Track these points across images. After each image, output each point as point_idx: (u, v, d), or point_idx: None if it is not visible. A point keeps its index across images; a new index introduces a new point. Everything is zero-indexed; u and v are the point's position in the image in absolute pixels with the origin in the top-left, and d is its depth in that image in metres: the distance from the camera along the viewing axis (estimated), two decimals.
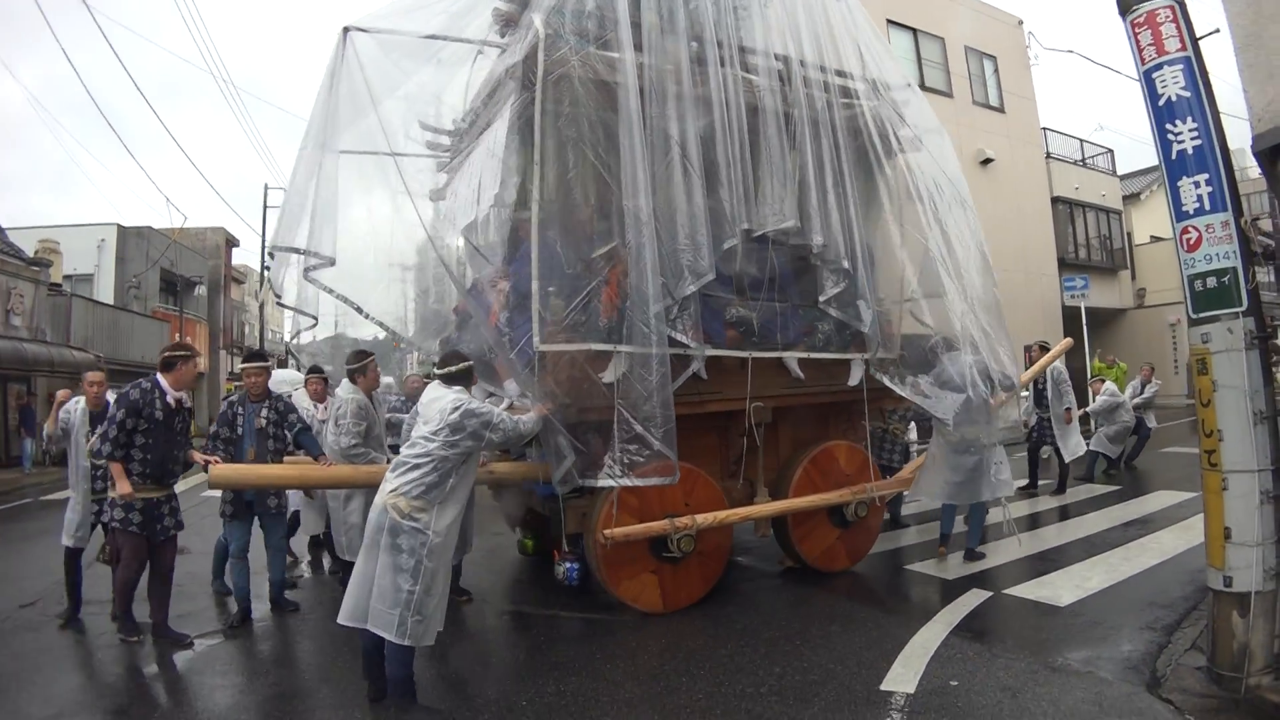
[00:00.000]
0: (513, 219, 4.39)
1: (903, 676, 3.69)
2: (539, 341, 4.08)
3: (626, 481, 4.13)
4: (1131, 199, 22.66)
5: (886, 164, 5.15)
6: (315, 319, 4.78)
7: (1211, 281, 3.35)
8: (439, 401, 3.55)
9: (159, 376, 4.37)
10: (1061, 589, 4.93)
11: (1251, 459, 3.27)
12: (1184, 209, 3.40)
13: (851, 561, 5.63)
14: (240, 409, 4.83)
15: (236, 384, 24.34)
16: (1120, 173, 22.73)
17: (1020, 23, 18.76)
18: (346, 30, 4.22)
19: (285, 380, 13.58)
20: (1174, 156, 3.42)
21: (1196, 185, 3.35)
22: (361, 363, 4.97)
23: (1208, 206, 3.33)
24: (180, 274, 23.34)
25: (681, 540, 4.61)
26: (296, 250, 4.16)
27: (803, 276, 5.10)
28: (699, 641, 4.33)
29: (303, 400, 6.10)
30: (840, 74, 5.15)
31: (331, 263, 4.25)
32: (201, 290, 24.86)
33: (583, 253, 4.27)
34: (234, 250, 28.09)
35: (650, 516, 4.60)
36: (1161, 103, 3.44)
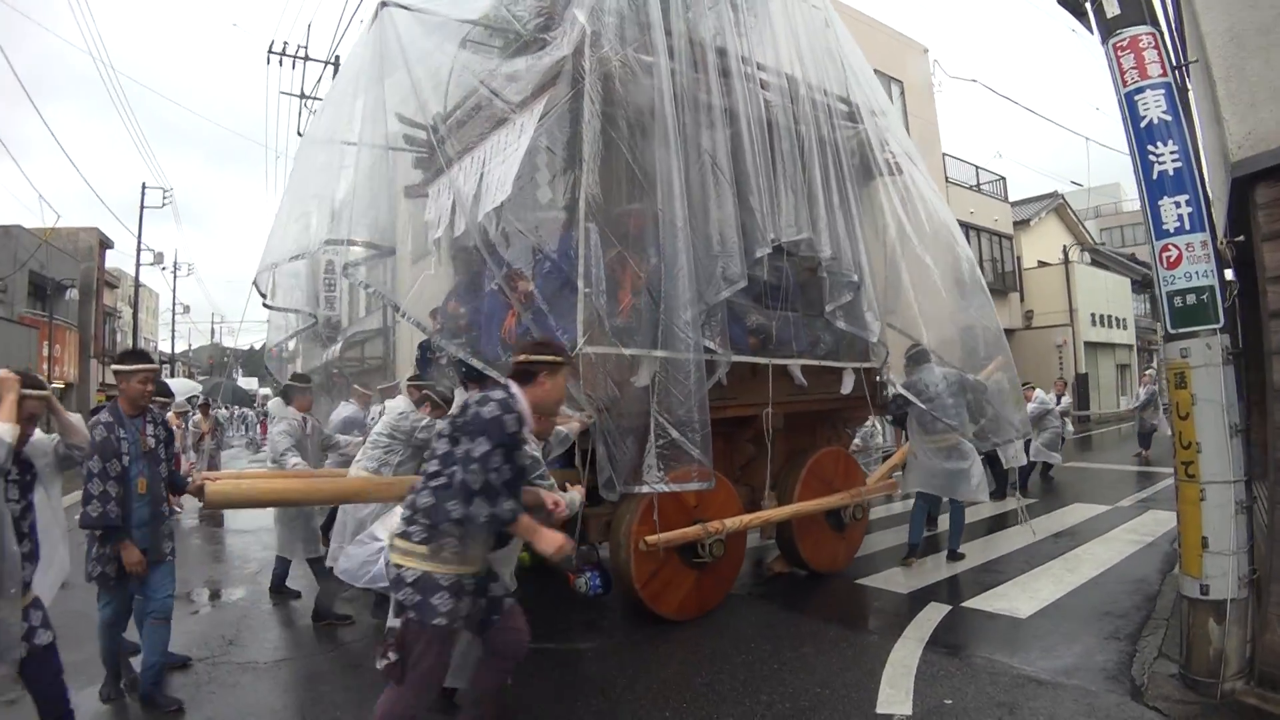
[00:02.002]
0: (536, 218, 4.30)
1: (894, 698, 3.59)
2: (582, 344, 3.96)
3: (664, 488, 4.11)
4: (1021, 225, 24.34)
5: (875, 183, 5.43)
6: (315, 318, 4.83)
7: (1191, 299, 3.46)
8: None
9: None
10: (1017, 601, 5.00)
11: (1228, 470, 3.39)
12: (1164, 228, 3.51)
13: (846, 563, 5.84)
14: (121, 430, 3.63)
15: (110, 395, 22.27)
16: (1011, 199, 24.41)
17: (926, 51, 19.85)
18: (384, 5, 4.07)
19: (185, 390, 12.36)
20: (1154, 177, 3.53)
21: (1177, 205, 3.46)
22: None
23: (1188, 226, 3.44)
24: (51, 277, 21.07)
25: (713, 545, 4.63)
26: (353, 243, 4.12)
27: (809, 287, 5.25)
28: (670, 670, 4.10)
29: (279, 412, 5.49)
30: (837, 96, 5.39)
31: (392, 252, 4.42)
32: (73, 294, 22.52)
33: (619, 255, 4.22)
34: (108, 252, 25.63)
35: (676, 523, 4.58)
36: (1143, 125, 3.55)
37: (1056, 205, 27.16)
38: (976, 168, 22.75)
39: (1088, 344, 23.72)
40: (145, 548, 3.65)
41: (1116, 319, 25.35)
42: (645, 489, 4.18)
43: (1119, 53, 3.62)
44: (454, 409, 3.58)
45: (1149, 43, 3.54)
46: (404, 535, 2.61)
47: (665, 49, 4.28)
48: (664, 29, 4.33)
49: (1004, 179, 23.35)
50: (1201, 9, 3.36)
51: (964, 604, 5.02)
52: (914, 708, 3.47)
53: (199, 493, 3.75)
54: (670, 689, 3.79)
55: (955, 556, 6.04)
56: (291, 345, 5.09)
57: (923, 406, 5.38)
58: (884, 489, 6.16)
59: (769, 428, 4.88)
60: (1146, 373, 15.47)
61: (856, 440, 6.93)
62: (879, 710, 3.47)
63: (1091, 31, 4.24)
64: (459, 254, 5.12)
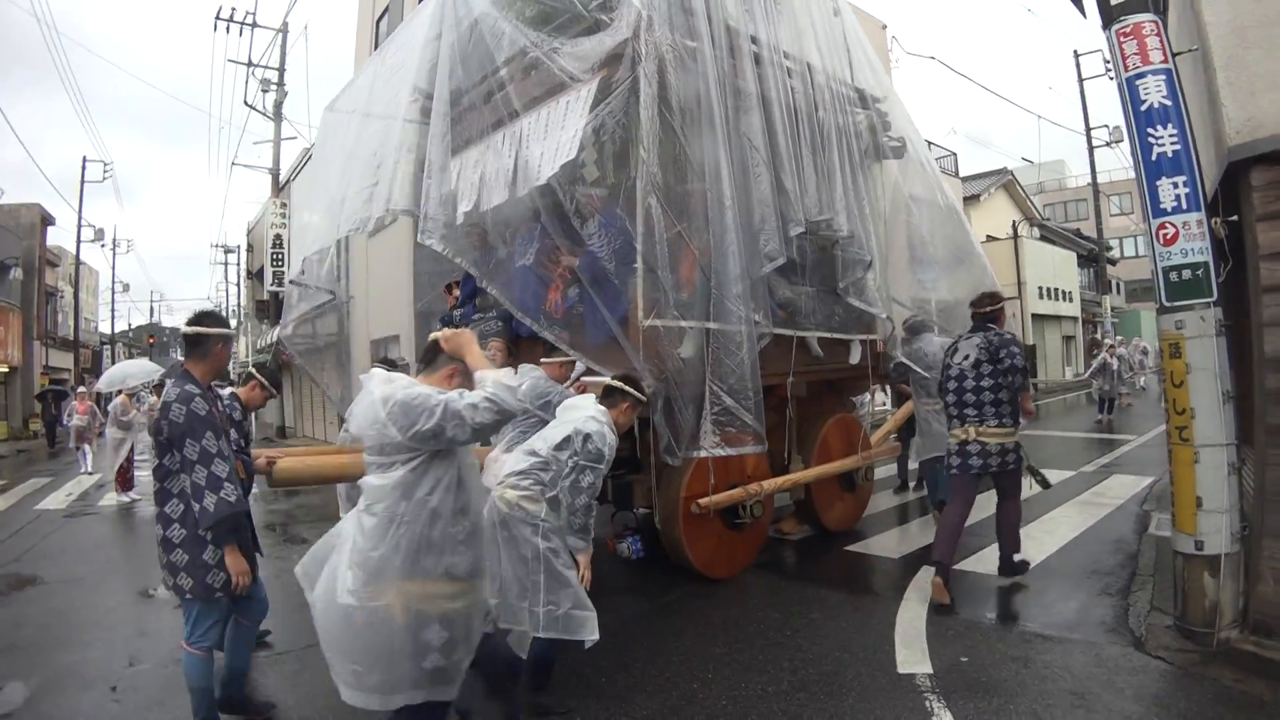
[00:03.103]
0: (579, 194, 4.36)
1: (912, 658, 3.77)
2: (645, 318, 4.18)
3: (720, 452, 4.39)
4: (971, 200, 25.03)
5: (878, 165, 5.79)
6: (334, 294, 5.01)
7: (1186, 274, 3.67)
8: (575, 412, 3.40)
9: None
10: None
11: (1221, 434, 3.63)
12: (1162, 206, 3.70)
13: (855, 521, 6.40)
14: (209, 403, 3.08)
15: (55, 382, 21.19)
16: (963, 175, 25.07)
17: (884, 26, 20.09)
18: None
19: (137, 373, 11.88)
20: (1154, 158, 3.71)
21: (1175, 185, 3.65)
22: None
23: (1185, 206, 3.64)
24: None
25: (754, 506, 5.04)
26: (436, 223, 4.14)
27: (822, 264, 5.57)
28: (687, 642, 4.16)
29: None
30: (846, 83, 5.66)
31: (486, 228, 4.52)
32: (17, 274, 21.33)
33: (672, 231, 4.33)
34: (49, 230, 24.33)
35: (720, 487, 4.86)
36: (1144, 108, 3.72)
37: (1005, 181, 28.00)
38: (929, 143, 23.23)
39: (1035, 316, 24.68)
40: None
41: (1063, 292, 26.41)
42: (702, 453, 4.44)
43: (1122, 38, 3.77)
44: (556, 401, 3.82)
45: (1152, 30, 3.70)
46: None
47: (708, 35, 4.42)
48: (705, 15, 4.49)
49: (955, 155, 23.93)
50: (1205, 1, 3.53)
51: (956, 567, 5.24)
52: (933, 666, 3.65)
53: (266, 471, 3.74)
54: (693, 661, 3.87)
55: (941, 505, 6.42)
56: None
57: (924, 374, 5.64)
58: (887, 451, 6.61)
59: (792, 396, 5.23)
60: (1106, 342, 16.14)
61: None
62: (901, 670, 3.64)
63: (1084, 15, 4.42)
64: (471, 230, 5.10)
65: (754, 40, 4.88)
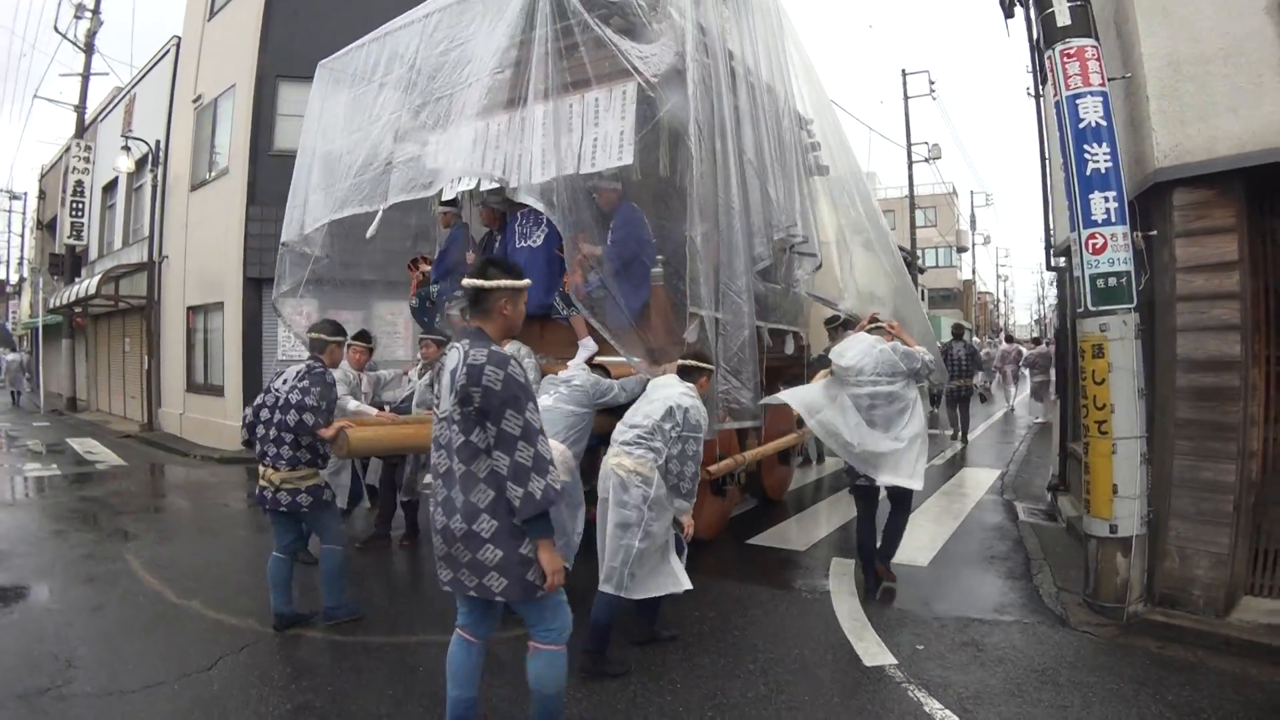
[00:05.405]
0: (602, 186, 4.78)
1: (870, 650, 3.77)
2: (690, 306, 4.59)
3: (725, 426, 4.75)
4: None
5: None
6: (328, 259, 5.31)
7: (1112, 281, 4.02)
8: (667, 389, 3.71)
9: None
10: (911, 551, 5.42)
11: (1136, 427, 4.01)
12: (1093, 218, 4.01)
13: (785, 490, 7.48)
14: None
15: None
16: None
17: None
18: None
19: None
20: (1088, 173, 4.02)
21: (1106, 199, 3.98)
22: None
23: (1113, 219, 3.98)
24: None
25: (741, 474, 5.57)
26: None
27: (780, 263, 6.14)
28: (633, 652, 3.77)
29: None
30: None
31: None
32: None
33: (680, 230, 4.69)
34: None
35: (711, 458, 5.03)
36: (1082, 126, 4.01)
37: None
38: None
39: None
40: None
41: (876, 297, 29.19)
42: (717, 427, 4.73)
43: (1065, 59, 4.05)
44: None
45: (1093, 54, 4.01)
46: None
47: (721, 54, 4.86)
48: (717, 35, 4.86)
49: None
50: (1144, 34, 3.87)
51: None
52: (896, 657, 3.67)
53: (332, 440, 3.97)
54: (652, 669, 3.60)
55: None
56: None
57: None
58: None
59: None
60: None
61: None
62: (867, 663, 3.63)
63: (1008, 33, 4.73)
64: (483, 209, 5.73)
65: (730, 55, 5.14)
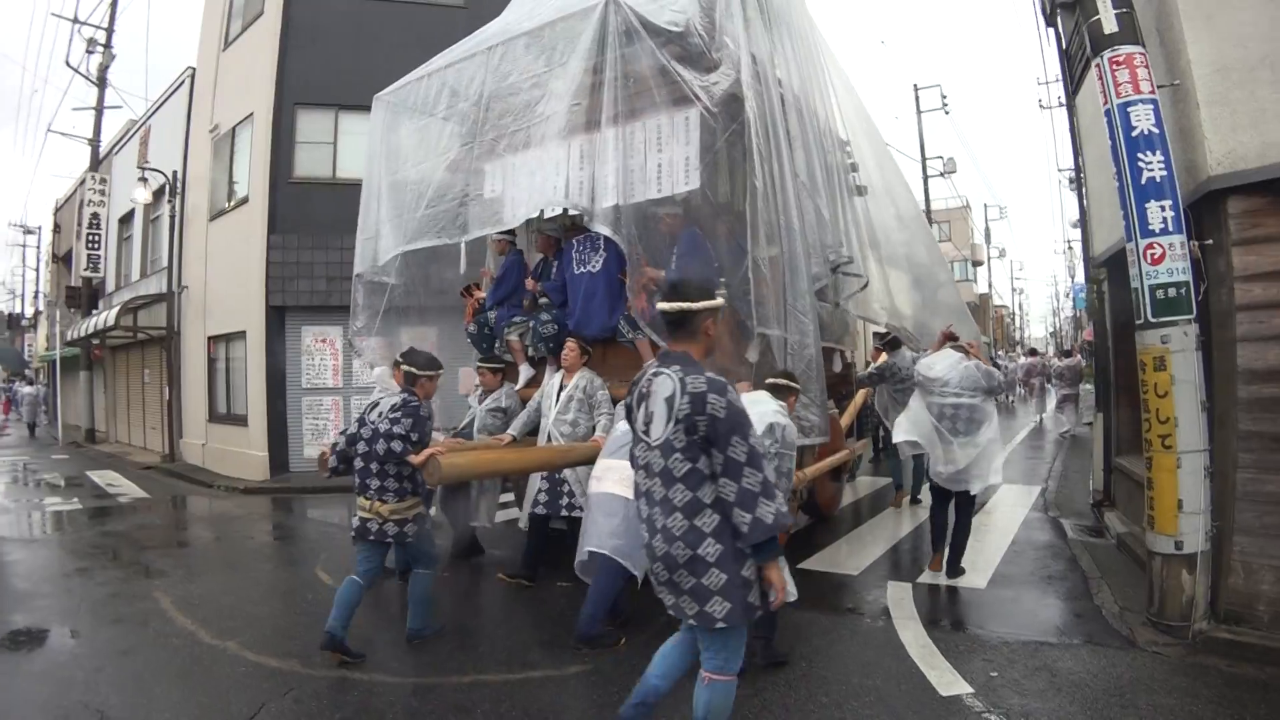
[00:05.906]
0: (664, 211, 4.90)
1: (945, 679, 3.65)
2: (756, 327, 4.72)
3: (806, 440, 4.82)
4: None
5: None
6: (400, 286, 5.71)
7: (1171, 292, 3.94)
8: (761, 406, 3.72)
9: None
10: (968, 573, 5.30)
11: (1199, 440, 3.92)
12: (1150, 228, 3.94)
13: (838, 506, 7.36)
14: None
15: None
16: None
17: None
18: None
19: None
20: (1143, 181, 3.95)
21: (1162, 209, 3.91)
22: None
23: (1171, 228, 3.91)
24: None
25: (803, 491, 5.57)
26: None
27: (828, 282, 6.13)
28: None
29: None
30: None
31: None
32: None
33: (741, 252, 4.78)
34: None
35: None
36: (1135, 134, 3.96)
37: None
38: None
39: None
40: None
41: (900, 312, 29.30)
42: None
43: (1114, 66, 4.00)
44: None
45: (1141, 61, 3.96)
46: None
47: (771, 79, 4.96)
48: (767, 62, 4.97)
49: None
50: (1190, 40, 3.82)
51: (919, 581, 5.28)
52: (971, 685, 3.56)
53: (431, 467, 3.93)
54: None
55: (917, 502, 7.44)
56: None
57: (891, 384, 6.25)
58: (863, 446, 7.82)
59: None
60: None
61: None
62: (944, 693, 3.51)
63: (1046, 41, 4.69)
64: (536, 236, 5.83)
65: (780, 83, 5.26)
